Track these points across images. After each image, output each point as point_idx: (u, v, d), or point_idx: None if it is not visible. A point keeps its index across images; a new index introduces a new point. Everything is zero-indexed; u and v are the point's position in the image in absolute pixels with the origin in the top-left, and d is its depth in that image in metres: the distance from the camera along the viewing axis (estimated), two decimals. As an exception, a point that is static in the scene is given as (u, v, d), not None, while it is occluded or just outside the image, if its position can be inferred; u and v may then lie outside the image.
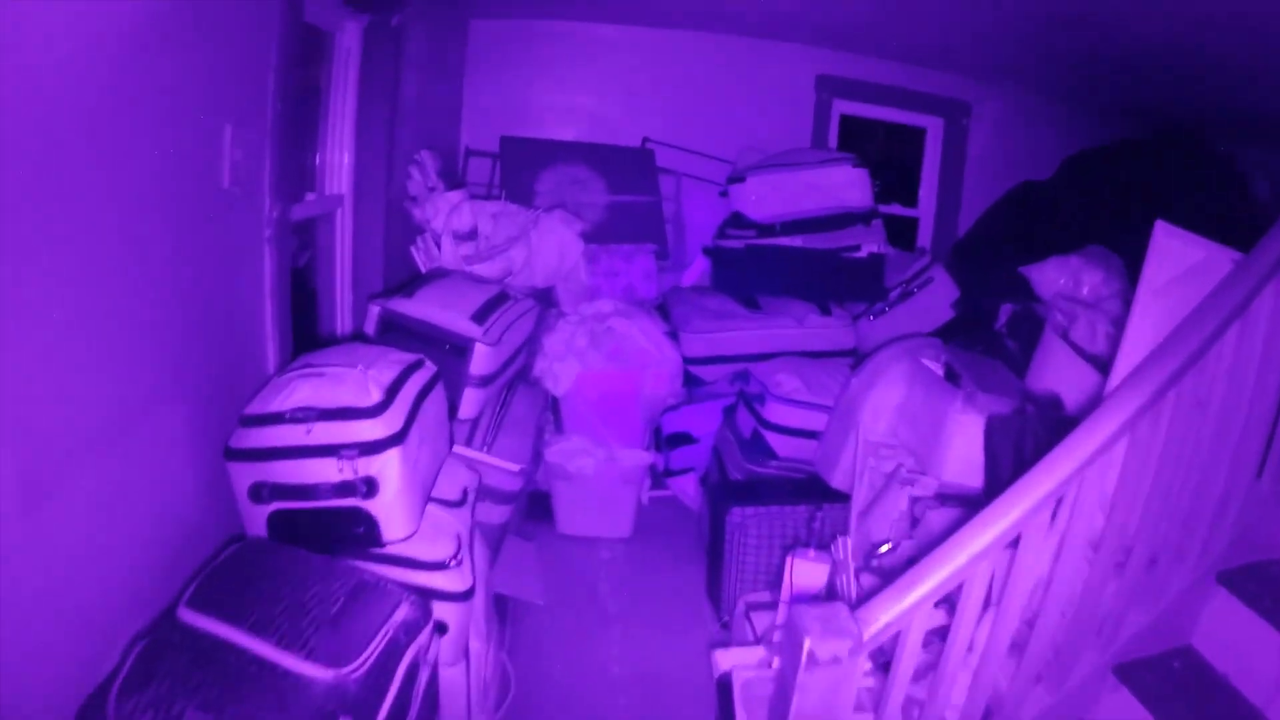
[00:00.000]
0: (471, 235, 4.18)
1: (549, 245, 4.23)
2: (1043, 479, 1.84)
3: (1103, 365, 3.34)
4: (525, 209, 4.31)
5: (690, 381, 4.46)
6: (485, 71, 5.07)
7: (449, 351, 3.20)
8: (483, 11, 4.98)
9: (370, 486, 2.25)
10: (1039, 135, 5.47)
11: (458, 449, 3.23)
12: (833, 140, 5.41)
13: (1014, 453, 2.82)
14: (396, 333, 3.21)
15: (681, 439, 4.44)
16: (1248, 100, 4.43)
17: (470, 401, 3.29)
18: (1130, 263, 3.74)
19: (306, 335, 3.37)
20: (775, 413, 4.01)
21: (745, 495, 3.79)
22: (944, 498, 3.09)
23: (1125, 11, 3.69)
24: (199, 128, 2.22)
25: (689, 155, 5.14)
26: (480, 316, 3.34)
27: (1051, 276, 4.05)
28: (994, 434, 2.86)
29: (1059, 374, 3.39)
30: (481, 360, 3.26)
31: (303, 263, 3.67)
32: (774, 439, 4.04)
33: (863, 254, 4.56)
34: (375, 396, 2.29)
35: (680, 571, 4.16)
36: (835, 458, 3.71)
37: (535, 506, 4.30)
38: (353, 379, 2.32)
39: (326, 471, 2.24)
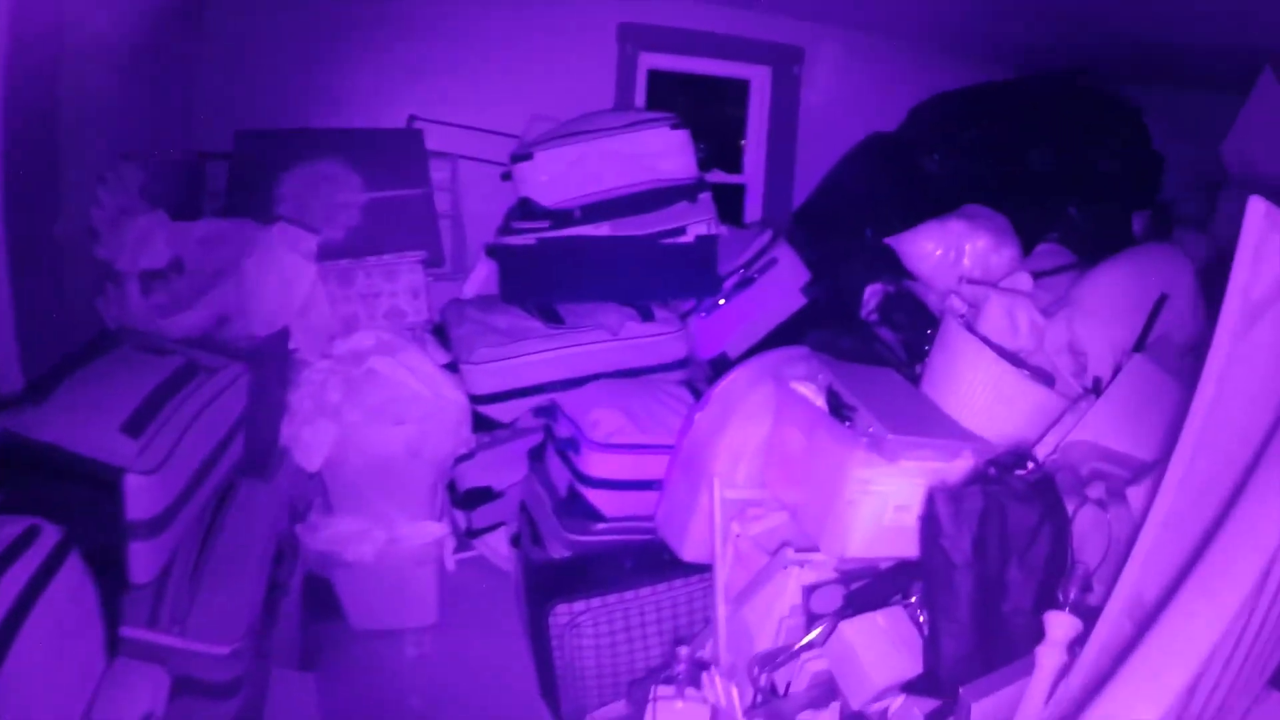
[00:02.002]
0: (176, 270, 3.15)
1: (269, 275, 3.19)
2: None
3: (1048, 377, 2.74)
4: (248, 225, 3.29)
5: (484, 425, 3.56)
6: (221, 52, 4.02)
7: (95, 489, 2.08)
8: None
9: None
10: (885, 80, 4.67)
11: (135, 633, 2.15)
12: (640, 101, 4.49)
13: (975, 541, 1.91)
14: (19, 467, 2.07)
15: (481, 495, 3.64)
16: (1133, 31, 3.79)
17: (142, 560, 2.17)
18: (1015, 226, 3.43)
19: None
20: (595, 464, 3.14)
21: (571, 583, 3.01)
22: (852, 593, 2.25)
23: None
24: None
25: (468, 132, 4.22)
26: (137, 423, 2.20)
27: (926, 247, 3.35)
28: (940, 514, 1.93)
29: (979, 385, 2.60)
30: (142, 498, 2.13)
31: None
32: (598, 497, 3.17)
33: (689, 237, 3.66)
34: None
35: (506, 662, 3.42)
36: (684, 521, 2.84)
37: (319, 597, 3.51)
38: None
39: None
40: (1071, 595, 1.86)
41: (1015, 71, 4.60)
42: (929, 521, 1.96)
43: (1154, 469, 2.20)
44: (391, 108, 4.18)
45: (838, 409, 2.41)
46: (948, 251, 3.32)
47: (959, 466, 2.34)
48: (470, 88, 4.30)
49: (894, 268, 3.46)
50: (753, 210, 4.78)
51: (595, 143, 3.65)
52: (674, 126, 3.68)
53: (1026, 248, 3.59)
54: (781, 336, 3.59)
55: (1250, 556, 1.29)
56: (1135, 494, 2.05)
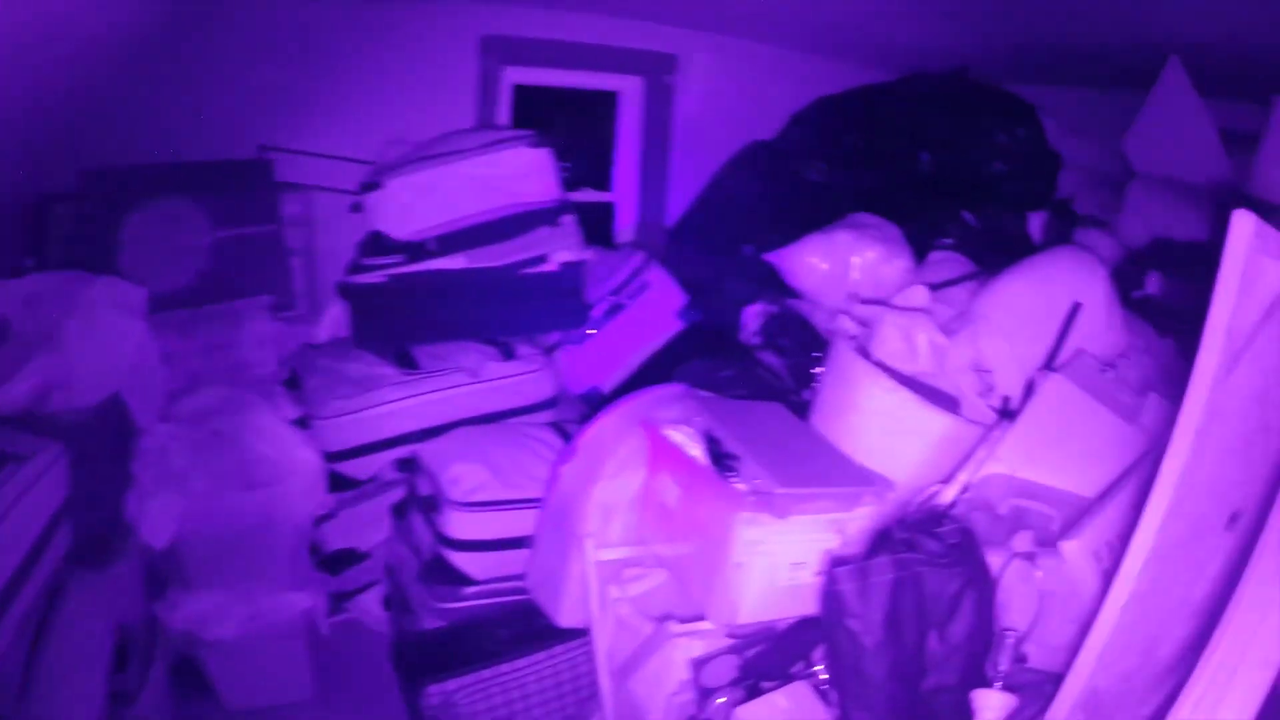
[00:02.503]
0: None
1: (92, 337, 2.82)
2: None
3: (953, 402, 2.48)
4: (73, 280, 2.91)
5: (343, 483, 3.23)
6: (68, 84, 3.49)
7: None
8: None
9: None
10: (764, 87, 4.36)
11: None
12: (505, 119, 4.17)
13: (888, 618, 1.60)
14: None
15: (347, 557, 3.34)
16: (1019, 29, 3.63)
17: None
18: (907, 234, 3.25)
19: None
20: (457, 525, 2.85)
21: (442, 659, 2.73)
22: (747, 663, 2.01)
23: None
24: None
25: (322, 161, 3.82)
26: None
27: (811, 262, 3.15)
28: (845, 593, 1.62)
29: (877, 416, 2.32)
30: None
31: None
32: (464, 560, 2.88)
33: (552, 265, 3.34)
34: None
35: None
36: (557, 584, 2.53)
37: (190, 676, 3.18)
38: None
39: None
40: (1003, 668, 1.59)
41: (899, 73, 4.31)
42: (832, 600, 1.66)
43: (1085, 508, 1.94)
44: (242, 137, 3.79)
45: (719, 458, 2.10)
46: (834, 265, 3.10)
47: (860, 515, 2.07)
48: (326, 113, 3.93)
49: (777, 286, 3.25)
50: (625, 229, 4.48)
51: (450, 166, 3.33)
52: (533, 145, 3.37)
53: (920, 256, 3.35)
54: (659, 365, 3.33)
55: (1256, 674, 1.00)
56: (1069, 545, 1.76)
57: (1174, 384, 2.56)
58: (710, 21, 4.07)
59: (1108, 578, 1.71)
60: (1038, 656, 1.76)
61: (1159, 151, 3.57)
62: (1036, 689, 1.78)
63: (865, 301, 2.76)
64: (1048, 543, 1.88)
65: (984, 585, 1.72)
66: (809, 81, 4.20)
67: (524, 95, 4.17)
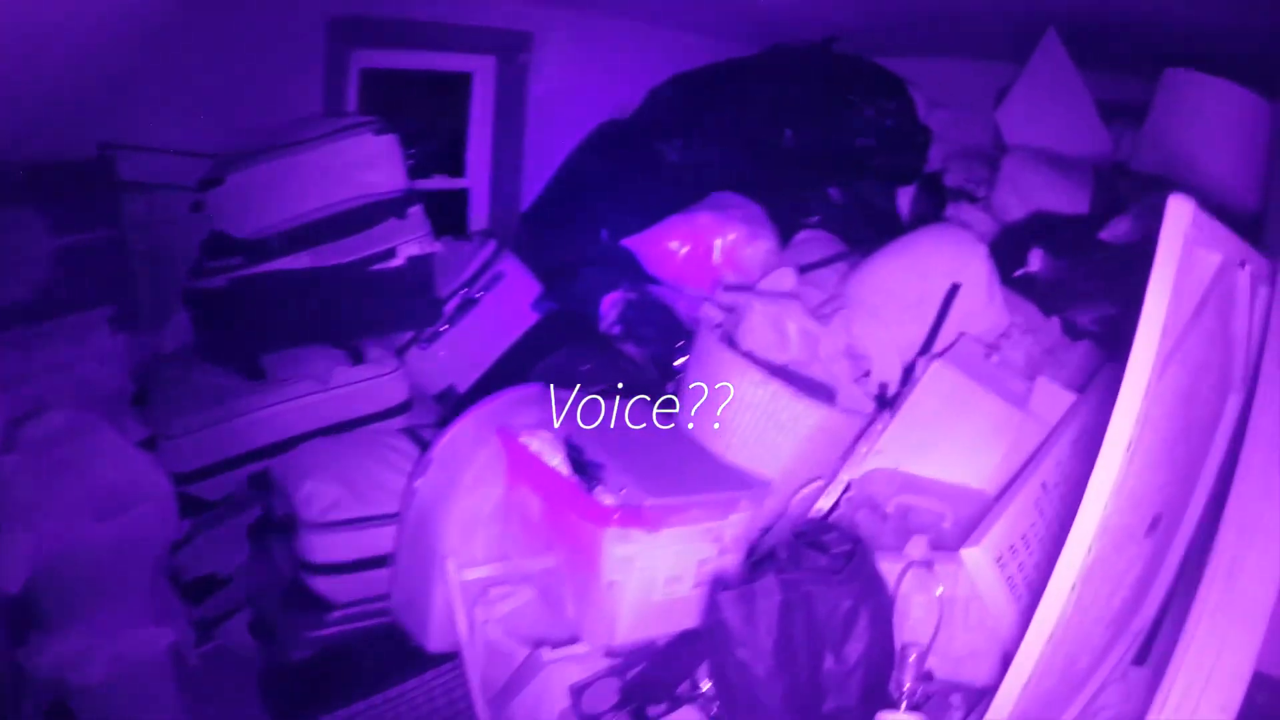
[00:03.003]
0: None
1: None
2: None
3: (828, 392, 2.37)
4: None
5: (196, 506, 2.96)
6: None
7: None
8: None
9: None
10: (622, 64, 4.16)
11: None
12: (354, 106, 3.86)
13: (778, 644, 1.46)
14: None
15: (208, 584, 3.08)
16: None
17: None
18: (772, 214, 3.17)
19: None
20: (314, 548, 2.60)
21: (312, 692, 2.54)
22: (629, 686, 1.83)
23: None
24: None
25: (168, 157, 3.45)
26: None
27: (670, 246, 3.05)
28: (729, 621, 1.46)
29: (748, 411, 2.18)
30: None
31: None
32: (325, 584, 2.64)
33: (399, 260, 3.10)
34: None
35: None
36: (422, 607, 2.30)
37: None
38: None
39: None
40: (906, 685, 1.46)
41: (761, 46, 4.16)
42: (718, 629, 1.49)
43: (983, 507, 1.82)
44: (79, 134, 3.38)
45: (581, 466, 1.91)
46: (696, 248, 2.99)
47: (737, 521, 1.92)
48: (170, 105, 3.54)
49: (636, 272, 3.13)
50: (479, 217, 4.25)
51: (291, 158, 3.08)
52: (378, 132, 3.12)
53: (786, 236, 3.24)
54: (517, 359, 3.14)
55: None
56: (971, 552, 1.63)
57: (1060, 367, 2.50)
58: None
59: (1012, 584, 1.61)
60: (940, 668, 1.64)
61: (1034, 124, 3.52)
62: (941, 699, 1.67)
63: (730, 288, 2.60)
64: (943, 546, 1.77)
65: (879, 599, 1.58)
66: (669, 57, 4.05)
67: (374, 80, 3.90)
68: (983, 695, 1.59)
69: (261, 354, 3.03)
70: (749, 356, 2.28)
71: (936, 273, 2.56)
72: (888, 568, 1.67)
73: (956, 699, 1.70)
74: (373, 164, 3.08)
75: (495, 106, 4.02)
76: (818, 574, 1.54)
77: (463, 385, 3.18)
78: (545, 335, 3.22)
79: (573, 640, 1.91)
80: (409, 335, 3.31)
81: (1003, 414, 2.12)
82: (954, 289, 2.53)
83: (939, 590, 1.64)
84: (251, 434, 2.89)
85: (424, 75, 4.05)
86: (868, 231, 3.51)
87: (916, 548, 1.72)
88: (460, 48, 3.92)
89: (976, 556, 1.60)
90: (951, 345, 2.38)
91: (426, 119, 4.06)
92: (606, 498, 1.81)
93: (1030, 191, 3.25)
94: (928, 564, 1.69)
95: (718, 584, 1.62)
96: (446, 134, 4.11)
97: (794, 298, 2.48)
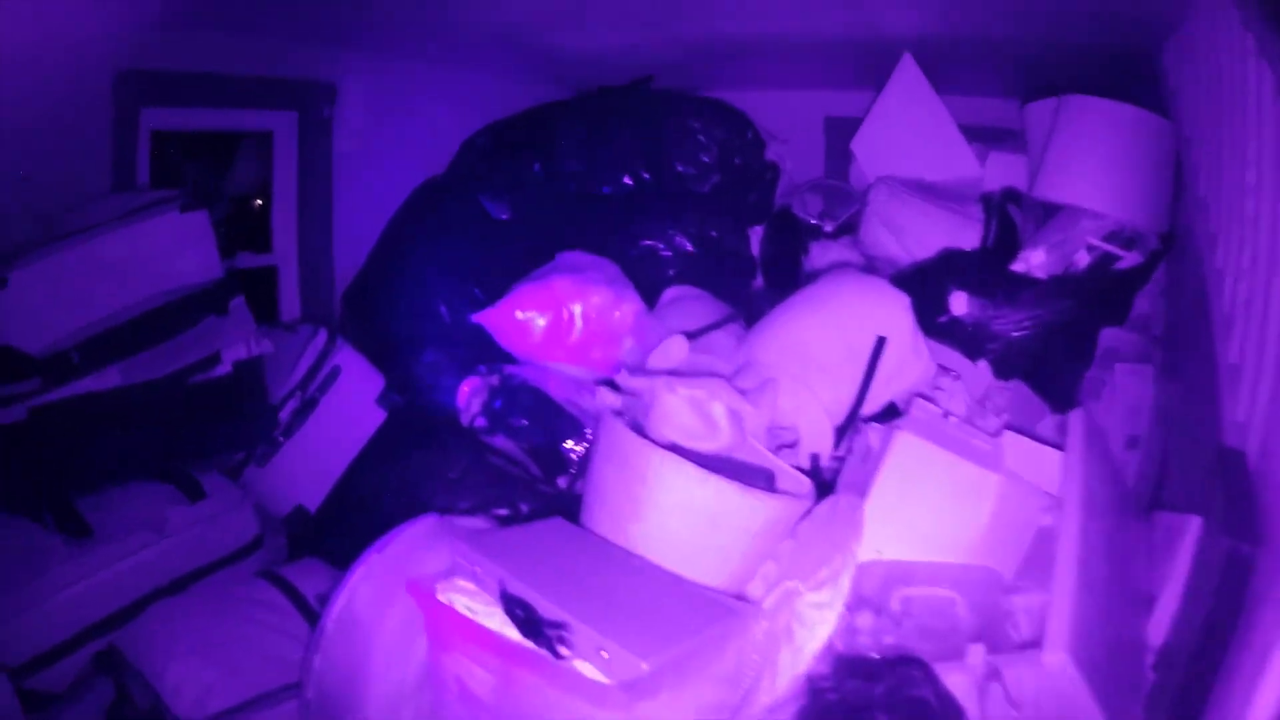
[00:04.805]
0: None
1: None
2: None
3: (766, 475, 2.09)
4: None
5: (37, 701, 2.24)
6: None
7: None
8: None
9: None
10: (433, 112, 3.78)
11: None
12: (145, 175, 3.17)
13: None
14: None
15: None
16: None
17: None
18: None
19: None
20: None
21: None
22: None
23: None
24: None
25: None
26: None
27: (524, 317, 2.72)
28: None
29: (685, 514, 1.88)
30: None
31: None
32: None
33: (225, 367, 2.62)
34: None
35: None
36: None
37: None
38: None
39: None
40: None
41: (575, 89, 3.94)
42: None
43: (983, 583, 1.72)
44: None
45: (535, 627, 1.52)
46: (554, 318, 2.70)
47: (732, 654, 1.61)
48: None
49: (487, 351, 2.80)
50: (289, 301, 3.66)
51: (83, 247, 2.50)
52: (184, 208, 2.61)
53: (644, 293, 2.93)
54: (368, 466, 2.73)
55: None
56: (1054, 657, 1.37)
57: (998, 412, 2.29)
58: (366, 41, 3.44)
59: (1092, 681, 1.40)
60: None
61: (894, 153, 3.34)
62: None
63: (634, 369, 2.26)
64: (961, 635, 1.59)
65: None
66: (483, 105, 3.77)
67: (167, 143, 3.30)
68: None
69: (75, 498, 2.44)
70: (673, 448, 1.96)
71: (858, 327, 2.33)
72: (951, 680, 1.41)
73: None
74: (181, 248, 2.60)
75: (299, 168, 3.53)
76: (873, 700, 1.25)
77: (313, 503, 2.71)
78: (397, 436, 2.81)
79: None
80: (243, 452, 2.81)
81: (979, 480, 1.93)
82: (880, 343, 2.29)
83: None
84: (86, 608, 2.30)
85: (223, 136, 3.55)
86: (727, 278, 3.26)
87: (976, 656, 1.45)
88: (258, 103, 3.42)
89: (1060, 662, 1.37)
90: (908, 412, 2.14)
91: (227, 186, 3.57)
92: (582, 666, 1.44)
93: (903, 225, 3.07)
94: (995, 674, 1.45)
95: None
96: (250, 203, 3.59)
97: (716, 376, 2.17)
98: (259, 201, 3.53)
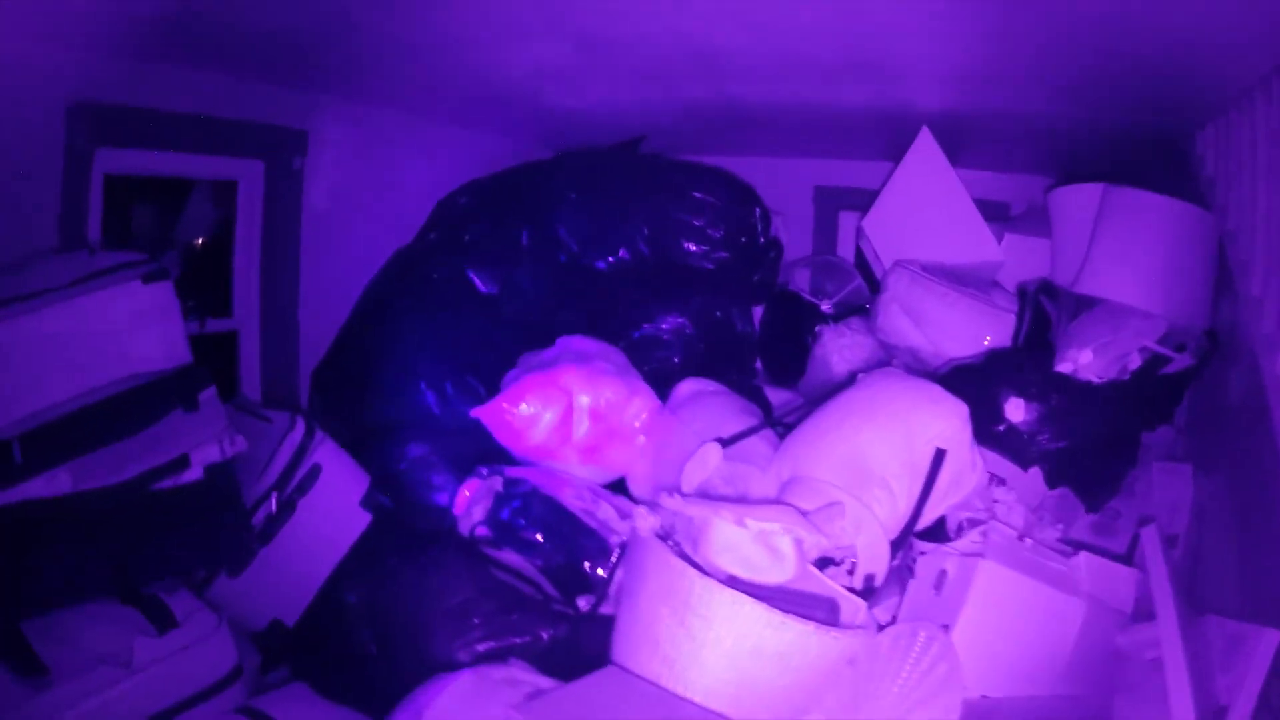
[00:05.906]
0: None
1: None
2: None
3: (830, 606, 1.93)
4: None
5: None
6: None
7: None
8: None
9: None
10: (407, 169, 3.52)
11: None
12: (97, 228, 2.74)
13: None
14: None
15: None
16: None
17: None
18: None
19: None
20: None
21: None
22: None
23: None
24: None
25: None
26: None
27: (531, 411, 2.51)
28: None
29: (758, 660, 1.71)
30: None
31: None
32: None
33: (195, 471, 2.20)
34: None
35: None
36: None
37: None
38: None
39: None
40: None
41: (557, 149, 3.71)
42: None
43: None
44: None
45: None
46: (565, 413, 2.51)
47: None
48: None
49: (482, 443, 2.58)
50: (250, 368, 3.27)
51: (25, 319, 2.12)
52: (149, 278, 2.24)
53: (649, 381, 2.72)
54: (352, 576, 2.43)
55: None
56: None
57: (1052, 524, 2.15)
58: (337, 84, 3.12)
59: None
60: None
61: (909, 232, 3.16)
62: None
63: (681, 494, 1.99)
64: None
65: None
66: (466, 160, 3.55)
67: (121, 189, 2.87)
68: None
69: (28, 627, 2.03)
70: (733, 583, 1.75)
71: (918, 438, 2.09)
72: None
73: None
74: (144, 325, 2.23)
75: (264, 223, 3.18)
76: None
77: (290, 617, 2.37)
78: (384, 545, 2.51)
79: None
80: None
81: (1064, 606, 1.94)
82: (940, 455, 2.07)
83: None
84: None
85: (181, 184, 3.18)
86: (728, 363, 3.04)
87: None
88: (223, 149, 3.08)
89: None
90: (988, 539, 2.04)
91: (179, 236, 3.23)
92: None
93: (926, 313, 2.89)
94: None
95: None
96: (205, 259, 3.25)
97: (786, 506, 1.94)
98: (215, 258, 3.18)
